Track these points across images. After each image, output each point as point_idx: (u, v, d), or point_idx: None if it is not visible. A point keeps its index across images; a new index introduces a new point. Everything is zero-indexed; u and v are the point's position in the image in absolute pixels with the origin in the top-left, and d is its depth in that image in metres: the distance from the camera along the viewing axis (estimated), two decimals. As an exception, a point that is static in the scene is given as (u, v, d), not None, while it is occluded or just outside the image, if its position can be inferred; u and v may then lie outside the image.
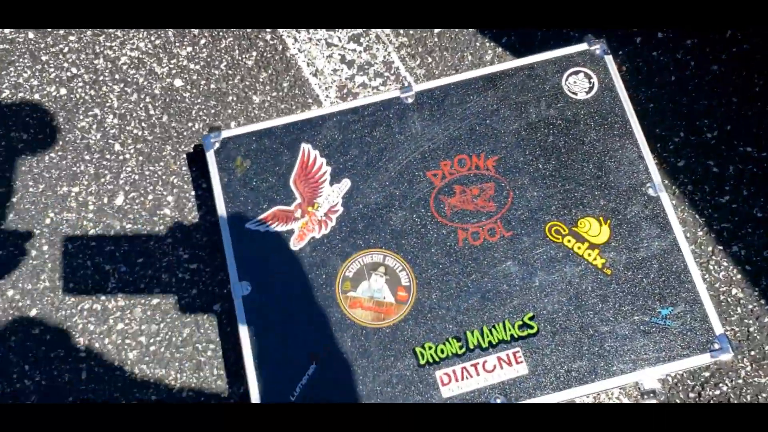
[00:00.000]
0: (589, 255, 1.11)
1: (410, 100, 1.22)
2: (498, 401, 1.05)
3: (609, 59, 1.24)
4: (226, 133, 1.20)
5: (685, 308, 1.08)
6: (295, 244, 1.14)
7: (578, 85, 1.22)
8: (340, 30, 1.39)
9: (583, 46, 1.24)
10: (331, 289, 1.12)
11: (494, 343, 1.08)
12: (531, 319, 1.08)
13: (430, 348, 1.08)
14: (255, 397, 1.06)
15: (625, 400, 1.20)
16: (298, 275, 1.12)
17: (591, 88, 1.22)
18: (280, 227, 1.15)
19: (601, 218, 1.13)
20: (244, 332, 1.10)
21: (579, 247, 1.12)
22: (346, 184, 1.17)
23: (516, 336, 1.08)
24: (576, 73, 1.23)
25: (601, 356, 1.06)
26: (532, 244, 1.12)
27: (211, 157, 1.19)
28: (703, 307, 1.08)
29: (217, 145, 1.19)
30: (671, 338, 1.06)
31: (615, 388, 1.08)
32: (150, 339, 1.27)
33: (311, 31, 1.39)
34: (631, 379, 1.05)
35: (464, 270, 1.12)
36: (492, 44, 1.37)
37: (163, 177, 1.37)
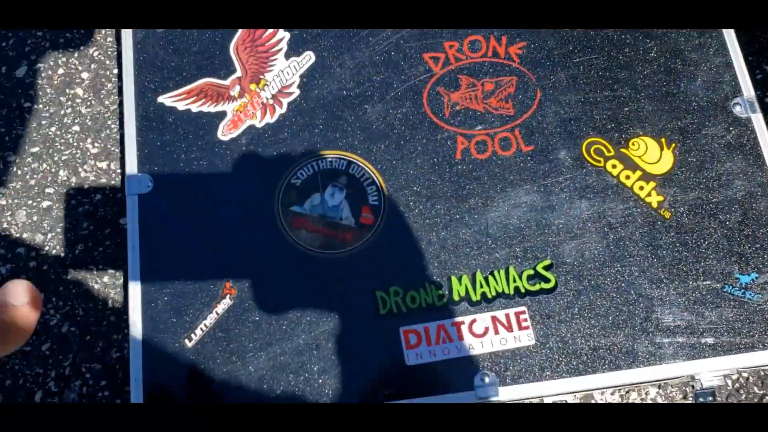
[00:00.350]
0: (642, 189, 0.77)
1: (412, -37, 0.88)
2: (485, 380, 0.71)
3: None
4: (151, -26, 0.87)
5: (776, 276, 0.74)
6: (225, 133, 0.81)
7: (646, -36, 0.87)
8: None
9: None
10: (268, 199, 0.79)
11: (490, 296, 0.74)
12: (547, 268, 0.75)
13: (396, 293, 0.74)
14: (136, 335, 0.74)
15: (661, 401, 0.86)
16: (224, 175, 0.79)
17: (664, -31, 0.87)
18: (207, 107, 0.82)
19: (663, 140, 0.79)
20: (134, 244, 0.77)
21: (628, 176, 0.78)
22: (308, 57, 0.84)
23: (523, 290, 0.74)
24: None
25: (644, 332, 0.72)
26: (560, 166, 0.79)
27: (125, 2, 0.86)
28: (804, 278, 0.74)
29: (137, -13, 0.86)
30: (751, 318, 0.72)
31: (656, 381, 0.74)
32: (31, 252, 0.95)
33: None
34: (683, 370, 0.71)
35: (459, 191, 0.78)
36: None
37: (82, 48, 1.04)
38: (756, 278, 0.73)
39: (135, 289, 0.75)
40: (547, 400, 0.75)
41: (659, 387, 0.87)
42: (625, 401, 0.86)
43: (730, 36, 0.83)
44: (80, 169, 0.99)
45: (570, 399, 0.75)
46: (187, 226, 0.78)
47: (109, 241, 0.95)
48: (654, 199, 0.77)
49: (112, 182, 0.98)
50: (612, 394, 0.86)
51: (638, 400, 0.86)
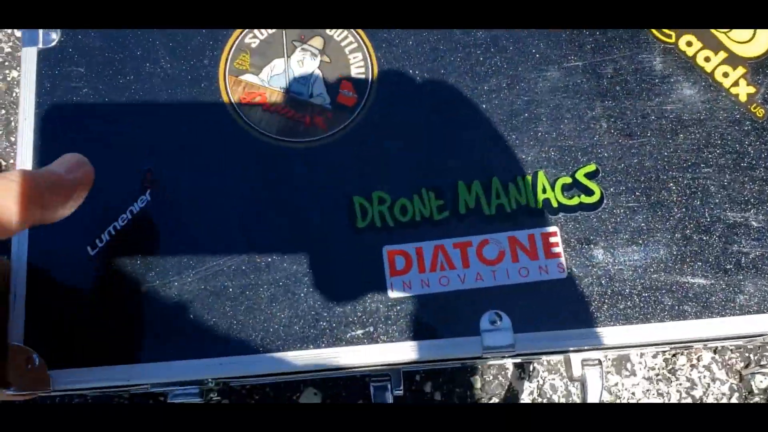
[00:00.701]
0: (726, 76, 0.56)
1: None
2: (496, 323, 0.51)
3: None
4: None
5: None
6: (160, -27, 0.60)
7: None
8: None
9: None
10: (213, 63, 0.57)
11: (509, 210, 0.54)
12: (591, 176, 0.54)
13: (381, 201, 0.54)
14: (21, 236, 0.54)
15: (720, 376, 0.67)
16: (154, 27, 0.58)
17: None
18: (138, -63, 0.60)
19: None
20: (27, 114, 0.56)
21: (707, 58, 0.56)
22: None
23: (555, 204, 0.54)
24: None
25: (720, 270, 0.52)
26: (615, 39, 0.57)
27: None
28: None
29: None
30: None
31: (729, 339, 0.55)
32: None
33: None
34: (770, 325, 0.52)
35: (476, 67, 0.57)
36: None
37: None
38: None
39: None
40: (574, 357, 0.55)
41: (715, 351, 0.67)
42: (669, 366, 0.67)
43: None
44: (-10, 38, 0.78)
45: (602, 358, 0.56)
46: (100, 94, 0.57)
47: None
48: (743, 91, 0.56)
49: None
50: (654, 356, 0.67)
51: (686, 366, 0.67)
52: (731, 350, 0.67)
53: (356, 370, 0.56)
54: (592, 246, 0.53)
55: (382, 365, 0.54)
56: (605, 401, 0.66)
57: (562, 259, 0.53)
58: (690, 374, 0.66)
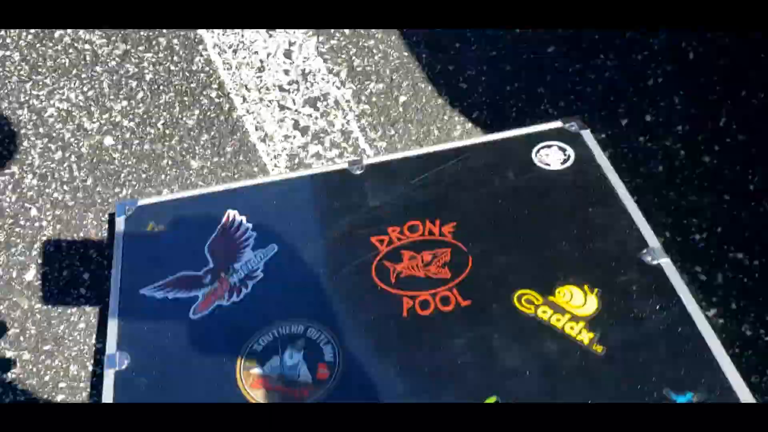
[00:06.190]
0: (572, 329, 0.84)
1: (359, 173, 1.07)
2: None
3: (586, 134, 1.10)
4: (143, 202, 1.06)
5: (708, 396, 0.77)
6: (195, 313, 0.91)
7: (551, 157, 1.07)
8: (295, 92, 1.30)
9: (556, 124, 1.12)
10: (231, 365, 0.85)
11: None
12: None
13: (351, 445, 0.77)
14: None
15: None
16: (192, 348, 0.88)
17: (566, 159, 1.06)
18: (181, 293, 0.94)
19: (585, 286, 0.89)
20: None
21: (558, 319, 0.86)
22: (272, 249, 0.98)
23: (471, 431, 0.77)
24: (548, 146, 1.08)
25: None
26: (495, 315, 0.87)
27: (120, 223, 1.04)
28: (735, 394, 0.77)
29: (131, 212, 1.05)
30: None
31: None
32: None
33: (263, 91, 1.30)
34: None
35: (409, 343, 0.85)
36: (461, 119, 1.25)
37: (82, 251, 1.19)
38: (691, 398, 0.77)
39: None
40: None
41: None
42: None
43: (631, 205, 0.98)
44: (88, 363, 1.05)
45: None
46: (156, 396, 0.83)
47: None
48: (585, 336, 0.84)
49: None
50: None
51: None
52: None
53: None
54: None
55: None
56: None
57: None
58: None
